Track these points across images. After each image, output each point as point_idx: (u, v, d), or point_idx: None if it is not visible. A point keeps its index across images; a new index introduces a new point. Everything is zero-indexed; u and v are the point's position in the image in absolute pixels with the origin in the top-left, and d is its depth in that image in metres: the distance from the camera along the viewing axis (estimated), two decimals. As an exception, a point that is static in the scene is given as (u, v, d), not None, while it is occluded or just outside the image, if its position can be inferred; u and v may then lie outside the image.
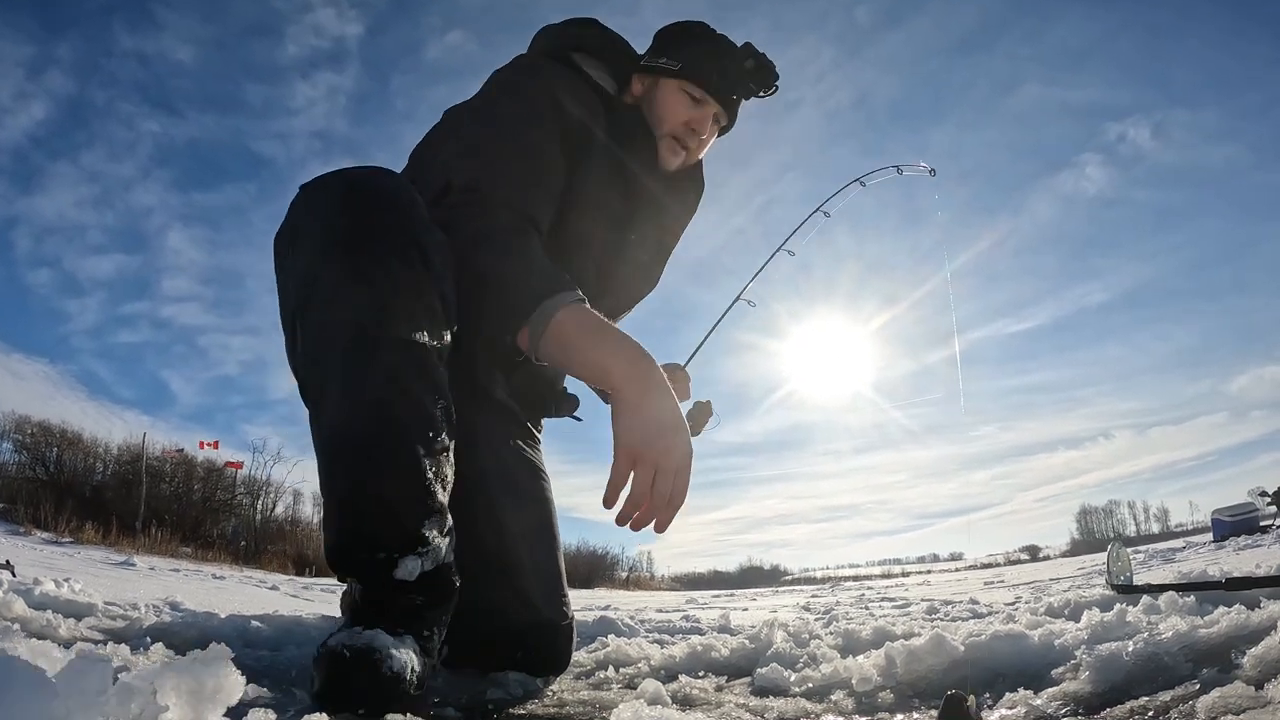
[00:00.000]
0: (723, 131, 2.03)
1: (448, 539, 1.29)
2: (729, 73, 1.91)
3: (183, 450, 24.44)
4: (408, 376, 1.25)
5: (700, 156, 2.03)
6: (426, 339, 1.29)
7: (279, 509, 27.23)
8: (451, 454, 1.32)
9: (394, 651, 1.14)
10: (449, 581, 1.31)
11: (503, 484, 1.76)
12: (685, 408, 2.20)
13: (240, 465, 25.42)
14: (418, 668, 1.17)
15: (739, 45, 1.94)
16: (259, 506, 26.21)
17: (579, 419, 2.04)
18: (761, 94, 1.97)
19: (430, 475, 1.25)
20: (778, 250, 2.68)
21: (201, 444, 24.15)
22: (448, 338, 1.35)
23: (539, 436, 1.98)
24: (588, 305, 1.39)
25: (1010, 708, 1.28)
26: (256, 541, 22.69)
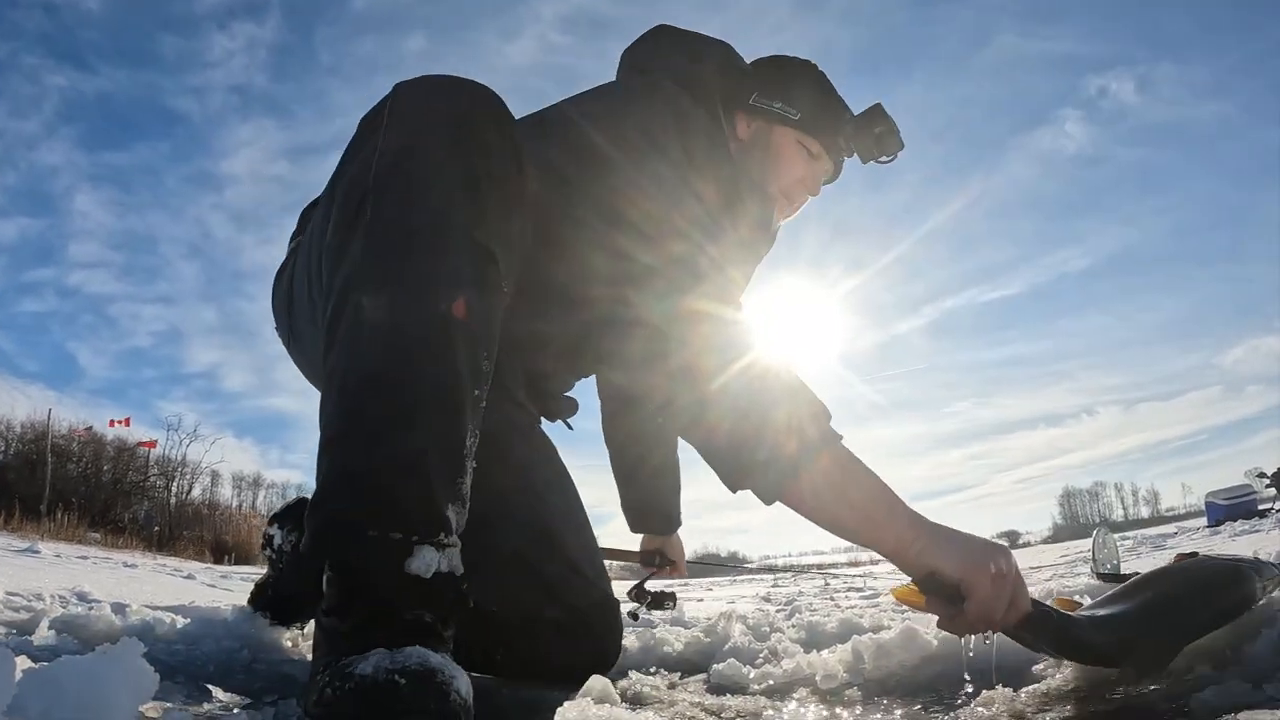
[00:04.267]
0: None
1: (459, 546, 1.09)
2: (855, 134, 1.87)
3: (91, 428, 23.91)
4: (486, 302, 1.14)
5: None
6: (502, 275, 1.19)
7: (195, 491, 26.82)
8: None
9: (455, 672, 0.92)
10: (461, 595, 1.07)
11: (542, 471, 1.66)
12: None
13: (153, 444, 24.91)
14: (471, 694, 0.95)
15: (874, 107, 1.87)
16: (174, 489, 25.75)
17: (571, 427, 1.91)
18: (882, 160, 1.91)
19: (469, 442, 1.11)
20: None
21: (111, 421, 23.74)
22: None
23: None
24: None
25: (988, 706, 1.29)
26: (171, 527, 22.29)
